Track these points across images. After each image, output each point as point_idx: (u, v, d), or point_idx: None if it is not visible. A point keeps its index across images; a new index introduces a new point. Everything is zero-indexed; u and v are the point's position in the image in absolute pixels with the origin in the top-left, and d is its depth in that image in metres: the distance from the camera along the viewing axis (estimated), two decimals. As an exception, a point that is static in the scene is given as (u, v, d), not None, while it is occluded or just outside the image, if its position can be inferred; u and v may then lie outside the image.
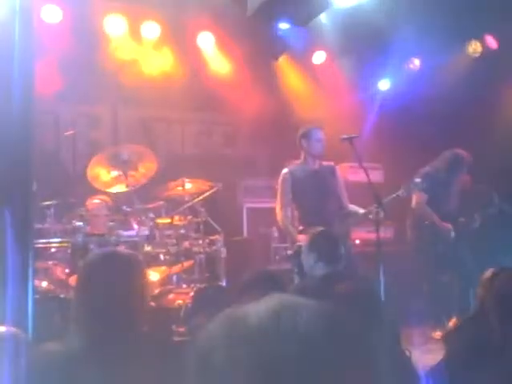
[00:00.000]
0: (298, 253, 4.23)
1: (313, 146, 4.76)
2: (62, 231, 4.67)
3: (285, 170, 4.91)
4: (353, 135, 4.34)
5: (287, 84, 7.19)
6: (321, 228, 4.09)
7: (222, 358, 0.71)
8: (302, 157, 4.89)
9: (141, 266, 2.35)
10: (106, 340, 1.96)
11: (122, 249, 3.75)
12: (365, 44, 6.49)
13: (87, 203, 5.06)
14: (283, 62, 7.04)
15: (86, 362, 1.89)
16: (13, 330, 2.00)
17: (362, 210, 4.70)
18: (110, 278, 2.11)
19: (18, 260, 3.16)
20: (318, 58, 7.15)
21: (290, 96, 7.17)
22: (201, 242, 5.28)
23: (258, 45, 6.56)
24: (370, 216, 4.33)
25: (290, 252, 4.77)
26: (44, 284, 4.53)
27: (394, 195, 4.52)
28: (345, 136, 4.34)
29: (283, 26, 6.29)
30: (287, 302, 0.76)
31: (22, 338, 1.89)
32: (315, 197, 4.72)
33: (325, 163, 4.97)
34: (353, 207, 4.87)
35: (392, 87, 7.27)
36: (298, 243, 4.45)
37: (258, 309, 0.75)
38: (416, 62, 7.13)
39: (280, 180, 4.90)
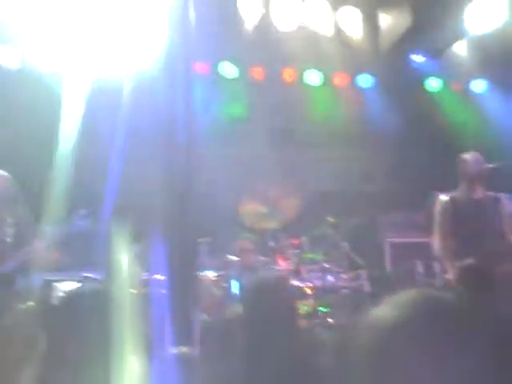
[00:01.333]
0: (448, 286, 4.12)
1: (470, 170, 4.48)
2: (217, 265, 5.06)
3: (444, 198, 4.65)
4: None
5: (432, 115, 7.13)
6: (471, 261, 3.95)
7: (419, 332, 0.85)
8: (463, 185, 4.61)
9: (294, 292, 2.56)
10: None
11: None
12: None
13: (238, 241, 5.42)
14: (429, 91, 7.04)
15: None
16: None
17: None
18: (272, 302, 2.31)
19: (184, 290, 3.52)
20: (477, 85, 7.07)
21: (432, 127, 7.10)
22: (345, 276, 5.37)
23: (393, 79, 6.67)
24: None
25: (440, 282, 4.64)
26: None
27: None
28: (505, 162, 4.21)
29: (418, 58, 6.35)
30: None
31: None
32: (475, 229, 4.42)
33: (489, 193, 4.62)
34: None
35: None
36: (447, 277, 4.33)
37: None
38: None
39: (439, 209, 4.63)
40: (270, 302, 2.29)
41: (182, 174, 3.37)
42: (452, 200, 4.56)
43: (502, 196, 4.68)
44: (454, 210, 4.50)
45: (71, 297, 1.76)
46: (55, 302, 3.05)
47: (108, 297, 1.67)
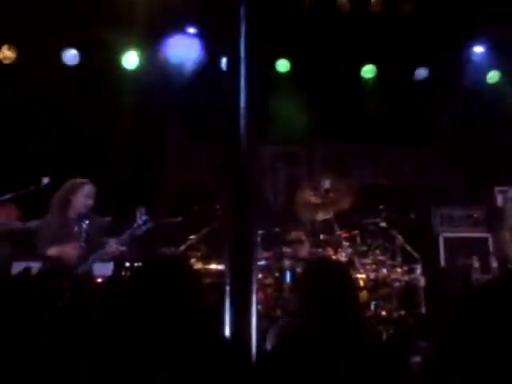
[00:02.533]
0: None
1: None
2: (269, 257, 5.11)
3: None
4: None
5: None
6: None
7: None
8: None
9: (350, 273, 2.55)
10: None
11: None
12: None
13: (291, 234, 5.46)
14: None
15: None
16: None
17: None
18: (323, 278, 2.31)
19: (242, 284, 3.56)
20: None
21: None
22: (399, 269, 5.32)
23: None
24: None
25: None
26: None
27: None
28: None
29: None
30: None
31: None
32: None
33: None
34: None
35: None
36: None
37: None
38: None
39: (506, 201, 4.64)
40: (330, 283, 2.26)
41: (244, 164, 3.41)
42: None
43: None
44: None
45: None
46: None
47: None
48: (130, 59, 6.43)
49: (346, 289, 2.29)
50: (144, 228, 3.98)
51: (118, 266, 3.83)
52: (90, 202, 4.20)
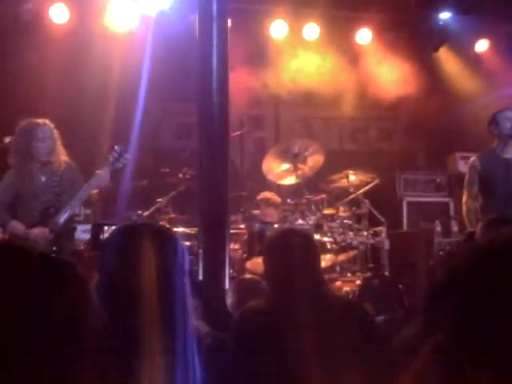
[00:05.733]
0: (469, 239, 4.14)
1: (503, 126, 4.44)
2: (237, 220, 5.11)
3: (472, 158, 4.68)
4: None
5: (447, 75, 7.04)
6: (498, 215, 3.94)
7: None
8: (495, 143, 4.58)
9: (314, 241, 2.59)
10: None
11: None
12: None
13: (259, 196, 5.46)
14: (443, 53, 6.90)
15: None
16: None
17: None
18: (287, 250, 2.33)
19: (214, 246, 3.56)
20: (481, 46, 6.90)
21: (450, 87, 7.02)
22: (365, 233, 5.42)
23: (418, 37, 6.53)
24: None
25: (459, 238, 4.68)
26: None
27: None
28: None
29: (444, 15, 6.21)
30: None
31: None
32: (504, 189, 4.41)
33: None
34: None
35: None
36: (470, 230, 4.35)
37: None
38: None
39: (467, 168, 4.68)
40: (291, 252, 2.29)
41: (218, 130, 3.36)
42: (480, 159, 4.56)
43: None
44: (483, 170, 4.49)
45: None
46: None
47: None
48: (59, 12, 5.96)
49: (308, 260, 2.33)
50: (123, 160, 3.83)
51: (96, 229, 3.73)
52: (51, 144, 3.89)
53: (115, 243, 1.74)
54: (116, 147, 3.85)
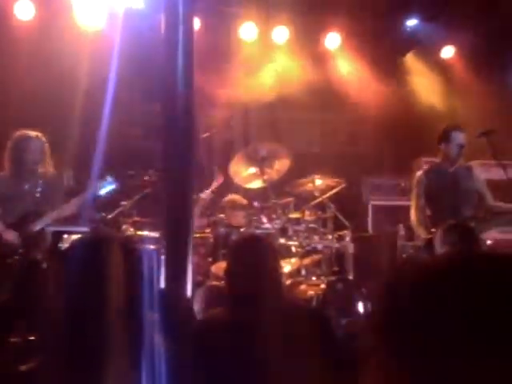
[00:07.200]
0: (428, 245, 4.23)
1: (452, 151, 4.63)
2: (204, 224, 5.10)
3: (419, 173, 4.90)
4: (490, 130, 4.26)
5: (414, 81, 7.15)
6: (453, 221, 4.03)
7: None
8: (440, 157, 4.81)
9: (275, 249, 2.63)
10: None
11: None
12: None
13: (226, 199, 5.45)
14: (410, 59, 7.02)
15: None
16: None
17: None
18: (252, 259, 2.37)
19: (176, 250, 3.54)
20: (447, 52, 7.04)
21: (417, 93, 7.14)
22: (330, 236, 5.47)
23: (385, 42, 6.63)
24: None
25: (419, 243, 4.78)
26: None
27: None
28: (482, 131, 4.27)
29: (411, 22, 6.31)
30: None
31: None
32: (450, 200, 4.63)
33: (462, 164, 4.82)
34: (501, 204, 4.69)
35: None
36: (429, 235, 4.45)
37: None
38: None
39: (414, 182, 4.90)
40: (252, 259, 2.33)
41: (182, 132, 3.34)
42: (426, 174, 4.75)
43: (473, 166, 4.87)
44: (427, 184, 4.68)
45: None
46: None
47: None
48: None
49: (269, 266, 2.37)
50: (108, 190, 3.91)
51: (56, 237, 3.69)
52: (40, 156, 4.17)
53: (78, 256, 1.71)
54: (108, 177, 4.00)
